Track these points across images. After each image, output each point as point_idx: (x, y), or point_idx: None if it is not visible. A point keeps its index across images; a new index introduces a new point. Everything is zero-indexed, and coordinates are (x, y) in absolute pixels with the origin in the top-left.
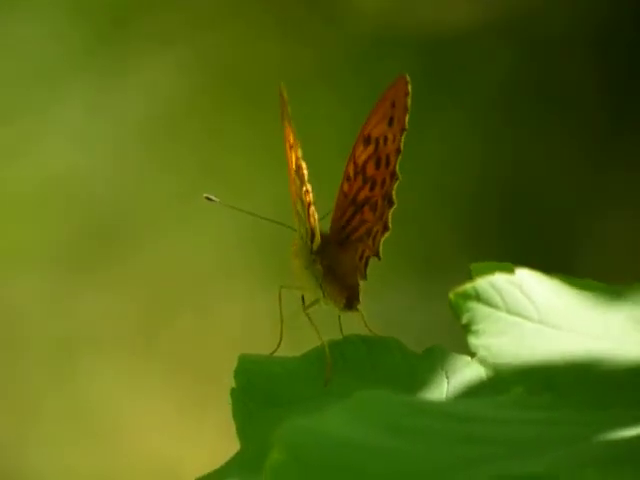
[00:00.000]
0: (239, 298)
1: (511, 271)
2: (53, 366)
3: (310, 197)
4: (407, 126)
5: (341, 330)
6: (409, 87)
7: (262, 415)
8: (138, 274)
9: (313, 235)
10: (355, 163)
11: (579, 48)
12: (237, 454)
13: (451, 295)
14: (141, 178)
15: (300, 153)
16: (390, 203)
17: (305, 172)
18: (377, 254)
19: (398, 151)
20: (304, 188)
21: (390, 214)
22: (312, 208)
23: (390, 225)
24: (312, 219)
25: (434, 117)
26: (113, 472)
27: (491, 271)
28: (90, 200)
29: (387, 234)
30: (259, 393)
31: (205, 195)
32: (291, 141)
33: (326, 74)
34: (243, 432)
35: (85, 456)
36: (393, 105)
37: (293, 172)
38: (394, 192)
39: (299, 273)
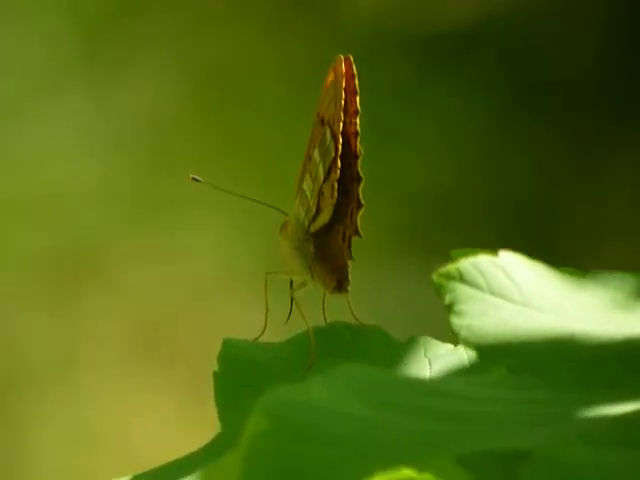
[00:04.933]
0: (239, 294)
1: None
2: (51, 369)
3: (338, 174)
4: (359, 108)
5: (324, 317)
6: (354, 68)
7: (244, 400)
8: (138, 277)
9: (318, 213)
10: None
11: (579, 46)
12: (216, 437)
13: (434, 276)
14: (134, 182)
15: (341, 128)
16: (358, 180)
17: (340, 147)
18: (357, 232)
19: (356, 134)
20: (334, 155)
21: (360, 190)
22: (335, 184)
23: (362, 201)
24: (334, 195)
25: (429, 112)
26: (111, 471)
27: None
28: (84, 205)
29: (361, 211)
30: (242, 378)
31: (191, 176)
32: (326, 115)
33: (323, 74)
34: (224, 416)
35: (84, 457)
36: (344, 88)
37: (315, 147)
38: (359, 169)
39: (288, 254)
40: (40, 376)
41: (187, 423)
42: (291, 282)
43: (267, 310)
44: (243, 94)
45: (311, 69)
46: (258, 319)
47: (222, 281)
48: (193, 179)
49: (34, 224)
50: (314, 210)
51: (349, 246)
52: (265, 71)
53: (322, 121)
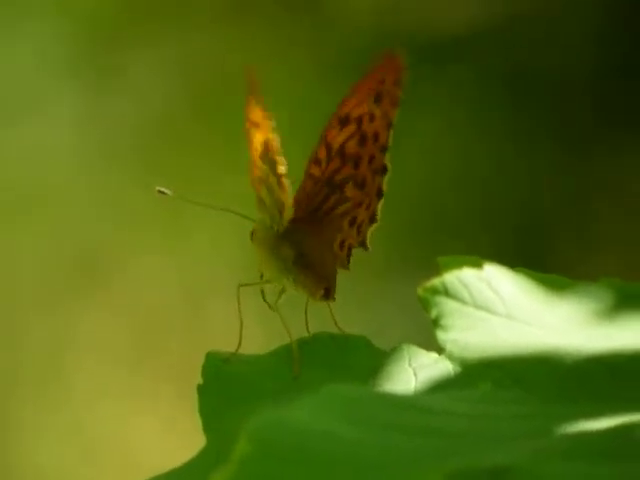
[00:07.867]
0: (230, 306)
1: (478, 265)
2: (47, 372)
3: (282, 169)
4: (399, 101)
5: (307, 327)
6: (402, 61)
7: (228, 412)
8: (135, 279)
9: (282, 211)
10: (328, 145)
11: (578, 49)
12: (202, 450)
13: (420, 290)
14: (130, 185)
15: (267, 132)
16: (379, 195)
17: (276, 144)
18: (363, 245)
19: (389, 126)
20: (277, 158)
21: (379, 206)
22: (284, 180)
23: (378, 217)
24: (284, 191)
25: (427, 113)
26: (107, 476)
27: (458, 265)
28: (79, 213)
29: (375, 225)
30: (226, 390)
31: (157, 188)
32: (256, 119)
33: (320, 76)
34: (209, 429)
35: (79, 462)
36: (382, 82)
37: (257, 154)
38: (384, 185)
39: (264, 260)
40: (36, 378)
41: (184, 426)
42: (262, 291)
43: (242, 323)
44: (239, 98)
45: (310, 71)
46: (254, 325)
47: (219, 285)
48: (159, 192)
49: (30, 227)
50: (281, 205)
51: (348, 255)
52: (261, 75)
53: (251, 123)
